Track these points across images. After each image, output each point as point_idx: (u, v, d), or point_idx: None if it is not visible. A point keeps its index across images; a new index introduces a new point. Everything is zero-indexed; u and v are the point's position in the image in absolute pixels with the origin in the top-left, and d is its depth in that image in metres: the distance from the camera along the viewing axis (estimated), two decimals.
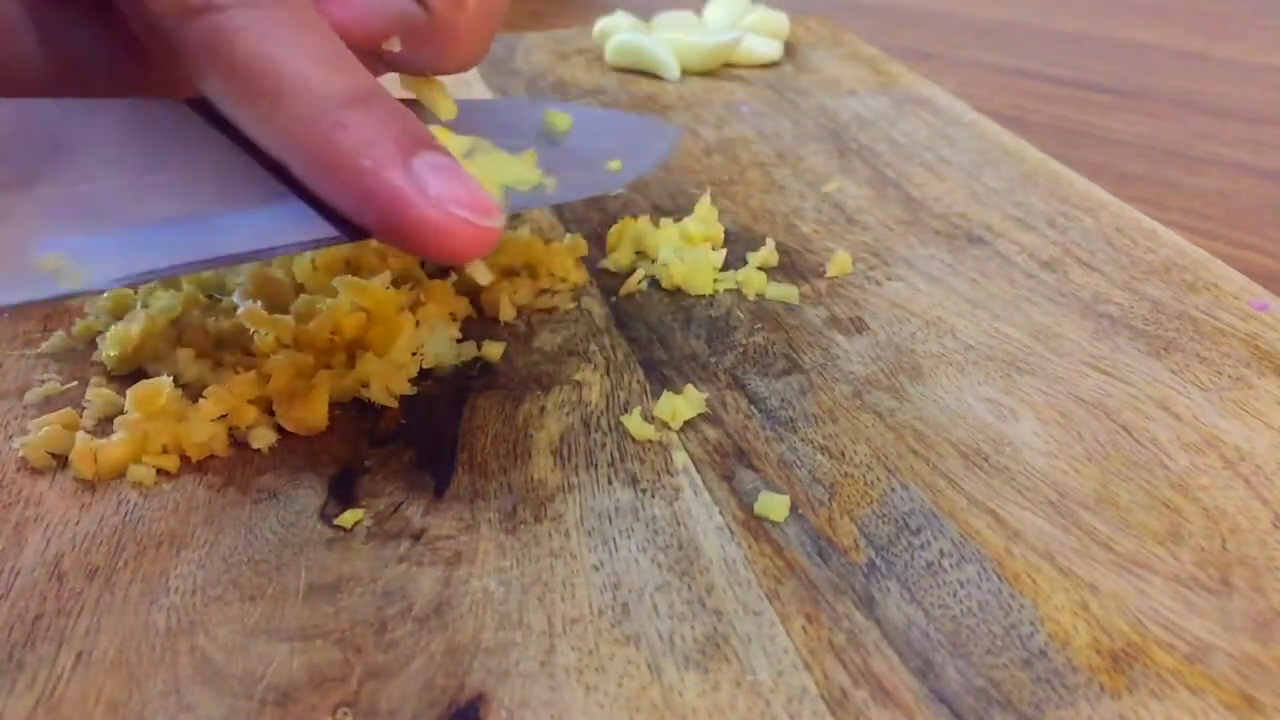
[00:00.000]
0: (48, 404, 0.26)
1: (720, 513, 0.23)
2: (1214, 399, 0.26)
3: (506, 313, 0.29)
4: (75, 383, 0.27)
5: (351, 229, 0.20)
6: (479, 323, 0.29)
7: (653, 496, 0.23)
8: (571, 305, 0.30)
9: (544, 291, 0.31)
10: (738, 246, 0.34)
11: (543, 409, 0.26)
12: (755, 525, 0.22)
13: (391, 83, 0.23)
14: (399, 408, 0.26)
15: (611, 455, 0.24)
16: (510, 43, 0.54)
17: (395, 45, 0.22)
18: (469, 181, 0.20)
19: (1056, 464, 0.24)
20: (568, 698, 0.18)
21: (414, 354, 0.27)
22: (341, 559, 0.21)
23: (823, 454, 0.24)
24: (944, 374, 0.27)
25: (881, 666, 0.19)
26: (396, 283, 0.28)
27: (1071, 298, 0.31)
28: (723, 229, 0.34)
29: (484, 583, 0.21)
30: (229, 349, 0.27)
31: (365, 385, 0.26)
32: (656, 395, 0.26)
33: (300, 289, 0.29)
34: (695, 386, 0.26)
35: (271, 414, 0.25)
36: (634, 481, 0.24)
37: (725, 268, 0.32)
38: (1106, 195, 0.37)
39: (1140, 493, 0.23)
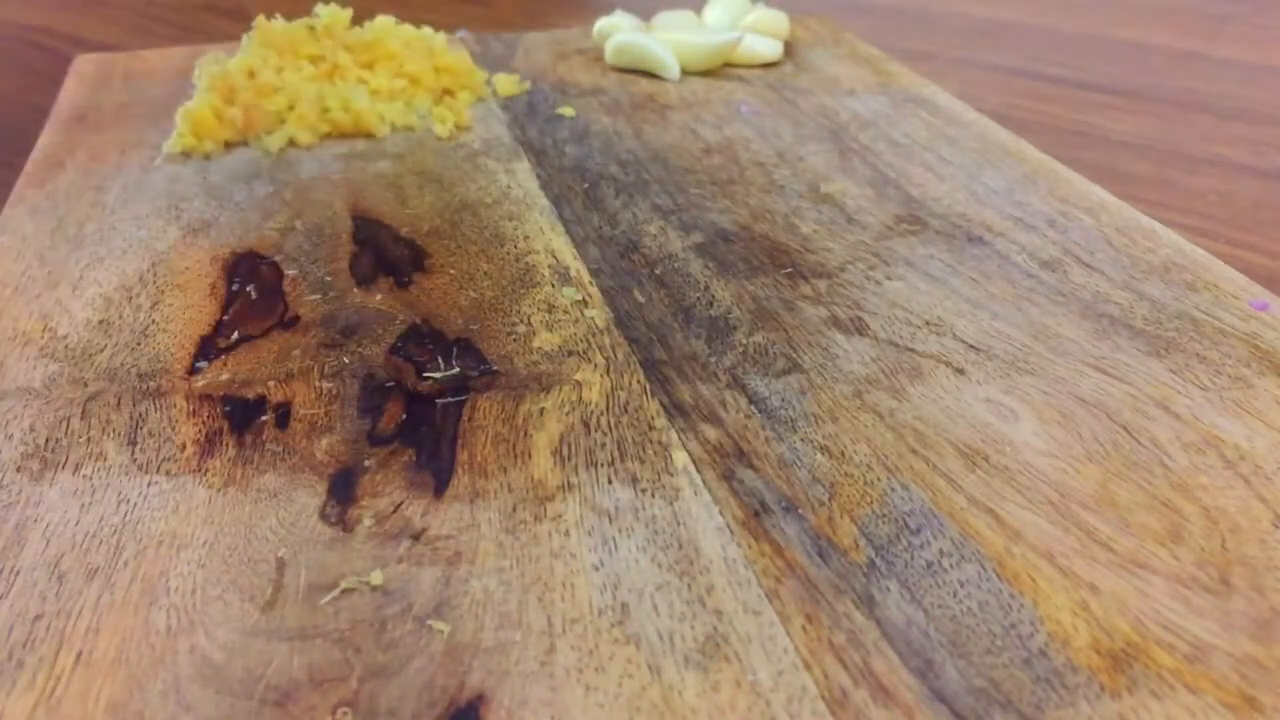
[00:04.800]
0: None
1: (720, 513, 0.23)
2: (1214, 399, 0.26)
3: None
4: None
5: None
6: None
7: (653, 496, 0.23)
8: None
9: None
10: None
11: (543, 409, 0.26)
12: (755, 525, 0.22)
13: None
14: (400, 407, 0.26)
15: (611, 455, 0.24)
16: (510, 42, 0.54)
17: None
18: None
19: (1056, 464, 0.24)
20: (568, 698, 0.18)
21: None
22: (341, 559, 0.21)
23: (823, 454, 0.24)
24: (944, 374, 0.27)
25: (881, 666, 0.19)
26: None
27: (1071, 298, 0.31)
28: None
29: (484, 583, 0.21)
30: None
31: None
32: (656, 395, 0.26)
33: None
34: (695, 386, 0.26)
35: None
36: (634, 481, 0.24)
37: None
38: (1106, 195, 0.37)
39: (1140, 493, 0.23)
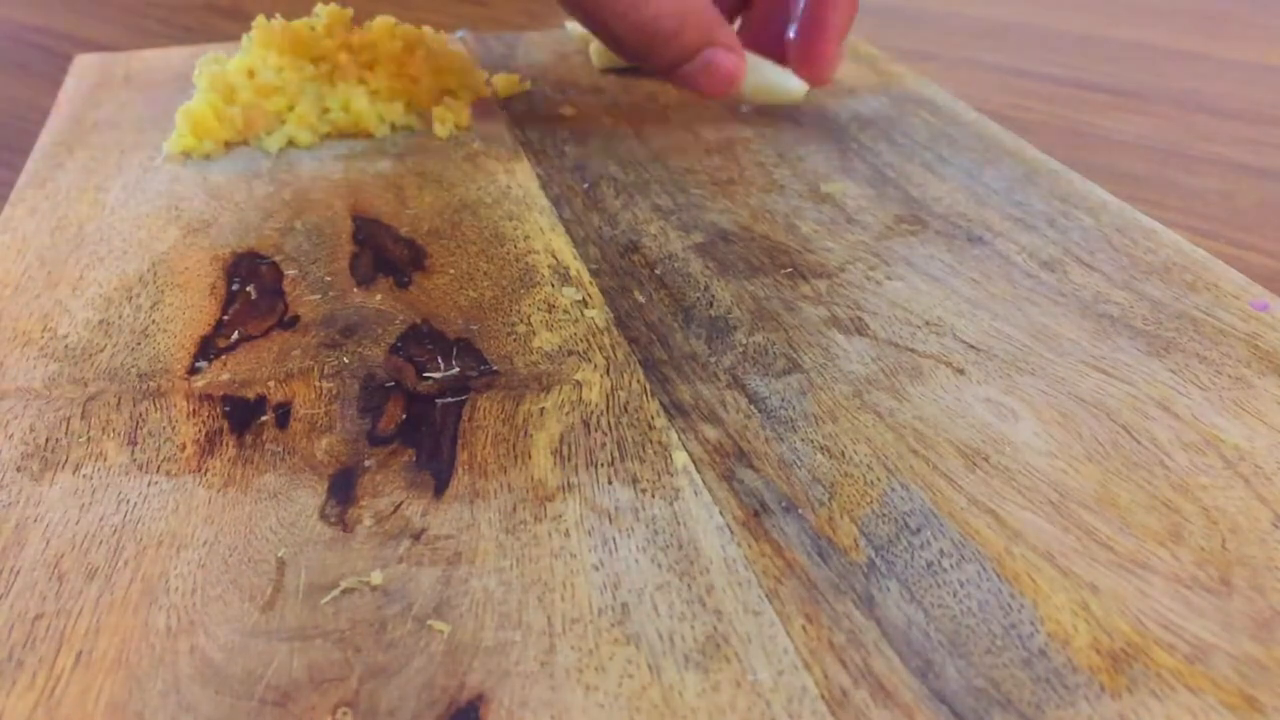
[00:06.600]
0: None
1: (720, 513, 0.23)
2: (1214, 399, 0.26)
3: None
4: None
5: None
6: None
7: (653, 496, 0.23)
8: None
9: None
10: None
11: (543, 409, 0.26)
12: (755, 525, 0.22)
13: None
14: (400, 407, 0.26)
15: (611, 455, 0.24)
16: (510, 42, 0.54)
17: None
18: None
19: (1056, 464, 0.24)
20: (568, 698, 0.18)
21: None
22: (341, 559, 0.21)
23: (823, 454, 0.24)
24: (944, 374, 0.27)
25: (881, 666, 0.19)
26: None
27: (1071, 298, 0.31)
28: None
29: (484, 583, 0.21)
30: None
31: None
32: (656, 395, 0.26)
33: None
34: (695, 386, 0.27)
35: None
36: (634, 481, 0.24)
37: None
38: (1106, 195, 0.37)
39: (1140, 493, 0.23)
